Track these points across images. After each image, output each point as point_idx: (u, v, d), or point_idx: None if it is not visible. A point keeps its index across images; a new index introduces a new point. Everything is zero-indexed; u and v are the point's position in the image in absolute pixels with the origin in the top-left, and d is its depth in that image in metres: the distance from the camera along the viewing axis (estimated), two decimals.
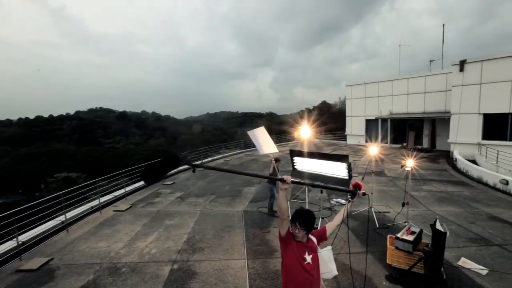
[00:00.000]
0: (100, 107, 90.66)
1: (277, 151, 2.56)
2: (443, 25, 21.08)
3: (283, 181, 2.02)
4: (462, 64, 14.59)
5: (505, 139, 13.60)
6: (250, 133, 2.61)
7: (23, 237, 5.56)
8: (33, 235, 5.77)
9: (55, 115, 72.17)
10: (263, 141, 2.39)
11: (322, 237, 2.33)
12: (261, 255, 4.94)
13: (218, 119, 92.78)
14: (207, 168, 1.89)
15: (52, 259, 4.90)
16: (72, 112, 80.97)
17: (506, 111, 13.48)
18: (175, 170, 13.21)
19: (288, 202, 7.33)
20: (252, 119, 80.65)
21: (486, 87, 14.04)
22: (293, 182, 2.06)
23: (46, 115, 69.30)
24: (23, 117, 65.94)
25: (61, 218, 6.58)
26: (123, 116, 74.73)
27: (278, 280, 4.14)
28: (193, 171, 1.71)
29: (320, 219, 5.74)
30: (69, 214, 6.89)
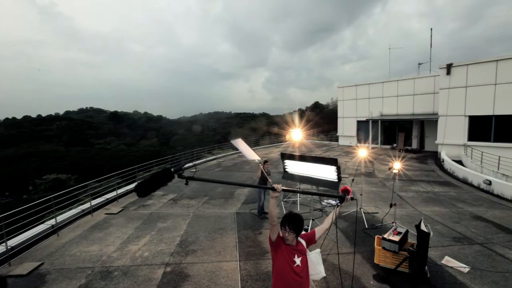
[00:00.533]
0: (91, 107, 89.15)
1: (259, 158, 2.66)
2: (431, 29, 21.62)
3: (273, 189, 2.09)
4: (448, 68, 15.04)
5: (489, 140, 14.09)
6: (233, 142, 2.74)
7: (12, 242, 5.49)
8: (23, 239, 5.70)
9: (43, 115, 70.63)
10: (244, 150, 2.51)
11: (311, 240, 2.43)
12: (253, 256, 5.03)
13: (211, 120, 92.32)
14: (200, 180, 1.92)
15: (42, 263, 4.87)
16: (61, 112, 79.44)
17: (490, 113, 13.96)
18: None
19: (282, 202, 7.42)
20: (245, 119, 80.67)
21: (471, 90, 14.51)
22: (283, 190, 2.12)
23: (34, 115, 67.70)
24: (10, 117, 64.23)
25: (52, 221, 6.52)
26: (115, 116, 73.55)
27: (269, 281, 4.23)
28: (186, 184, 1.76)
29: (311, 220, 5.87)
30: (60, 218, 6.84)
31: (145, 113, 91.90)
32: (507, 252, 5.12)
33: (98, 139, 54.80)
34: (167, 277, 4.38)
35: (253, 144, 24.78)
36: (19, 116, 64.73)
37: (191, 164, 15.13)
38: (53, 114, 74.55)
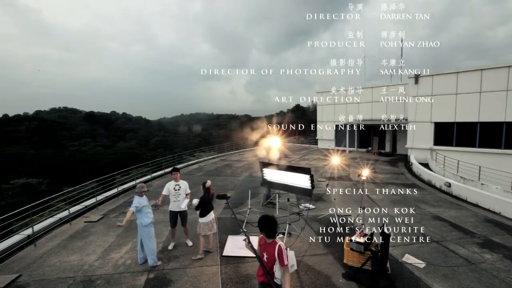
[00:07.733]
0: (64, 107, 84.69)
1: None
2: (401, 40, 23.05)
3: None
4: (416, 78, 16.26)
5: (451, 145, 15.41)
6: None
7: None
8: None
9: (10, 115, 66.22)
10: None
11: (279, 259, 2.73)
12: (233, 260, 5.31)
13: (192, 121, 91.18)
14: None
15: (20, 275, 4.83)
16: (31, 112, 74.73)
17: (452, 120, 15.30)
18: (148, 177, 13.08)
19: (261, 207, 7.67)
20: (228, 121, 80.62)
21: (436, 98, 15.79)
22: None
23: None
24: None
25: (27, 231, 6.39)
26: (91, 116, 70.47)
27: (248, 283, 4.55)
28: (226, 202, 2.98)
29: (288, 224, 6.25)
30: (37, 227, 6.69)
31: (124, 113, 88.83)
32: (458, 248, 5.82)
33: (72, 140, 52.29)
34: (150, 284, 4.55)
35: (234, 148, 25.01)
36: None
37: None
38: (21, 114, 70.02)
